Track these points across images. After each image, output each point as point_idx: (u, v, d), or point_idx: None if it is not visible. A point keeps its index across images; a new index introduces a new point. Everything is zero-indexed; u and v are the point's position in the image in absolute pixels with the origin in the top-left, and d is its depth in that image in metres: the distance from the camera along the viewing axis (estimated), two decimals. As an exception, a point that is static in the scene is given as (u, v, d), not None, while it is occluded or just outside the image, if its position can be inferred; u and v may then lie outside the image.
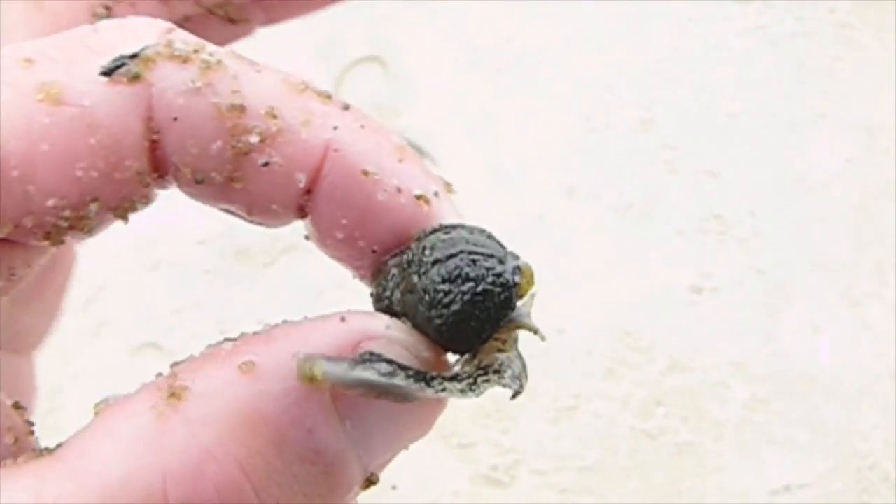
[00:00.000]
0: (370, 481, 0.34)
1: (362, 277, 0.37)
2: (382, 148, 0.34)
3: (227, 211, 0.36)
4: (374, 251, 0.35)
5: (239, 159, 0.33)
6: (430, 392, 0.32)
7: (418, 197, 0.34)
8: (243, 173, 0.33)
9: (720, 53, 2.08)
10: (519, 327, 0.35)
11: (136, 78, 0.32)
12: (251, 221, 0.35)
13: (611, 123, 2.00)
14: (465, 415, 1.72)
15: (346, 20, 2.14)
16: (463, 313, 0.32)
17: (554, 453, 1.69)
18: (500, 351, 0.34)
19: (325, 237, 0.35)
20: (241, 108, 0.32)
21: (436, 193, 0.35)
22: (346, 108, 0.34)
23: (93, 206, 0.33)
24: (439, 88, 2.06)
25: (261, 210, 0.34)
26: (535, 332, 0.35)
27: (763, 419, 1.71)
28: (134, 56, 0.32)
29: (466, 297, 0.32)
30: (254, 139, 0.32)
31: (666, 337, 1.77)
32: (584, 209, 1.91)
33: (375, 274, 0.36)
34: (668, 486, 1.66)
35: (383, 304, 0.35)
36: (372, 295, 0.36)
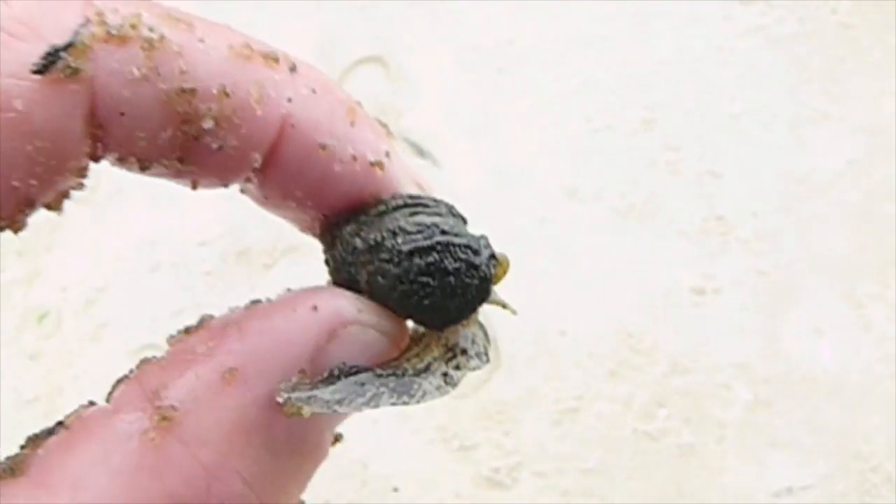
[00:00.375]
0: (336, 440, 0.34)
1: (304, 232, 0.37)
2: (335, 113, 0.33)
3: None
4: (325, 215, 0.35)
5: (190, 145, 0.31)
6: (413, 402, 0.32)
7: (373, 163, 0.34)
8: (194, 157, 0.31)
9: (722, 54, 2.07)
10: (487, 303, 0.35)
11: (74, 73, 0.28)
12: (192, 188, 0.34)
13: (613, 124, 2.00)
14: (466, 417, 1.72)
15: (347, 20, 2.14)
16: (443, 306, 0.33)
17: (556, 455, 1.68)
18: (463, 326, 0.35)
19: (273, 203, 0.34)
20: (192, 92, 0.30)
21: (387, 154, 0.34)
22: (294, 69, 0.33)
23: (27, 210, 0.31)
24: (440, 89, 2.06)
25: (208, 185, 0.33)
26: (504, 306, 0.36)
27: (765, 421, 1.70)
28: (68, 46, 0.28)
29: (447, 290, 0.33)
30: (207, 124, 0.30)
31: (668, 338, 1.77)
32: (585, 210, 1.91)
33: (329, 240, 0.36)
34: (670, 488, 1.66)
35: (343, 277, 0.35)
36: (327, 262, 0.36)
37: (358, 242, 0.34)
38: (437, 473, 1.68)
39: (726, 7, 2.13)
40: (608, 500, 1.65)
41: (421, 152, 1.97)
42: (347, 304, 0.32)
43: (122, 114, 0.29)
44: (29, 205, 0.30)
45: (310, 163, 0.32)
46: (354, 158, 0.33)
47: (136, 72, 0.29)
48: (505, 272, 0.35)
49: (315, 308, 0.31)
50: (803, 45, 2.08)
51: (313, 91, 0.33)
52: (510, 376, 1.75)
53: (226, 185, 0.33)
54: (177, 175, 0.32)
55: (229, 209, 1.89)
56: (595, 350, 1.76)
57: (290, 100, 0.32)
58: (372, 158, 0.34)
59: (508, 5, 2.15)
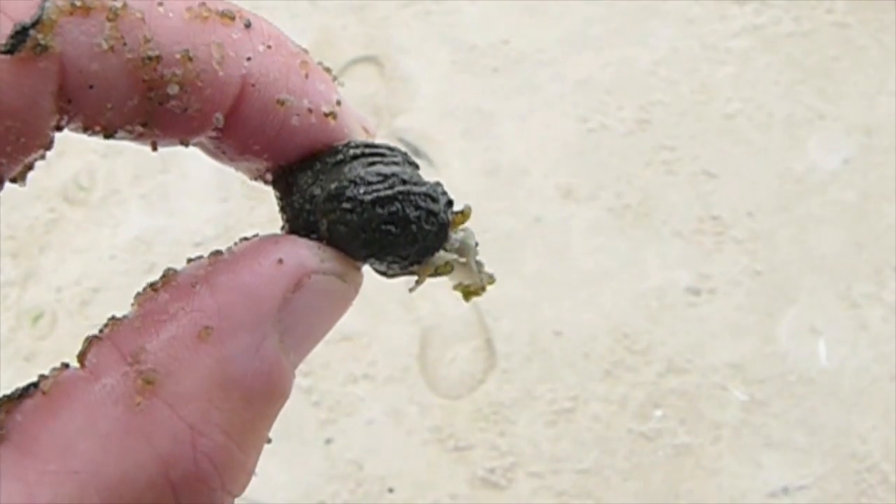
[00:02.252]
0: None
1: (255, 180, 0.38)
2: (291, 68, 0.34)
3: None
4: (279, 165, 0.36)
5: (155, 109, 0.31)
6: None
7: (327, 114, 0.35)
8: (158, 121, 0.32)
9: (717, 54, 2.07)
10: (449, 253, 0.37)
11: (44, 50, 0.29)
12: (153, 149, 0.35)
13: (608, 124, 1.99)
14: (461, 417, 1.72)
15: (341, 20, 2.13)
16: (403, 252, 0.35)
17: (551, 456, 1.68)
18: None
19: (230, 157, 0.35)
20: (157, 59, 0.30)
21: (338, 103, 0.36)
22: (249, 25, 0.33)
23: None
24: (435, 89, 2.06)
25: (168, 144, 0.34)
26: (461, 262, 0.38)
27: (761, 421, 1.70)
28: (36, 22, 0.28)
29: (408, 237, 0.35)
30: (172, 90, 0.31)
31: (664, 339, 1.77)
32: (581, 210, 1.90)
33: (284, 188, 0.37)
34: (665, 489, 1.66)
35: (300, 224, 0.36)
36: (283, 210, 0.37)
37: (317, 191, 0.35)
38: (433, 474, 1.68)
39: (721, 7, 2.13)
40: (603, 500, 1.65)
41: (416, 152, 1.96)
42: (310, 253, 0.33)
43: (91, 87, 0.30)
44: None
45: (268, 118, 0.34)
46: (310, 111, 0.35)
47: (103, 44, 0.29)
48: (465, 218, 0.37)
49: (280, 261, 0.32)
50: (799, 44, 2.08)
51: (269, 47, 0.34)
52: (505, 377, 1.75)
53: (185, 145, 0.34)
54: (139, 138, 0.33)
55: (224, 210, 1.89)
56: (590, 350, 1.76)
57: (248, 59, 0.33)
58: (326, 109, 0.35)
59: (503, 5, 2.14)
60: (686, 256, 1.85)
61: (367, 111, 2.02)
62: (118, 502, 0.27)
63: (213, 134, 0.34)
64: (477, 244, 0.38)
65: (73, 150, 1.98)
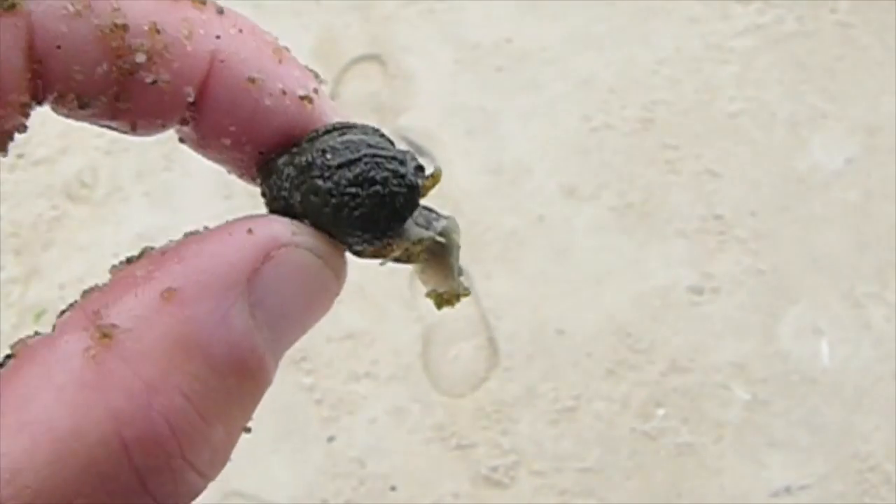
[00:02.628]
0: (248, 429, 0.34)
1: (243, 177, 0.38)
2: (263, 52, 0.34)
3: (108, 127, 0.35)
4: (260, 153, 0.36)
5: (125, 80, 0.32)
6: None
7: (302, 97, 0.35)
8: (130, 93, 0.32)
9: (721, 53, 2.07)
10: (423, 239, 0.36)
11: (11, 7, 0.30)
12: (133, 135, 0.35)
13: (611, 123, 1.99)
14: (464, 416, 1.72)
15: (344, 19, 2.13)
16: (372, 214, 0.34)
17: (554, 454, 1.68)
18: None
19: (209, 143, 0.35)
20: (124, 27, 0.31)
21: (315, 90, 0.36)
22: (221, 11, 0.34)
23: None
24: (439, 87, 2.06)
25: (145, 126, 0.34)
26: (435, 240, 0.37)
27: (763, 421, 1.70)
28: None
29: (375, 199, 0.34)
30: (140, 58, 0.32)
31: (666, 338, 1.77)
32: (584, 209, 1.90)
33: (265, 174, 0.37)
34: (668, 488, 1.66)
35: (279, 205, 0.36)
36: (264, 195, 0.37)
37: (290, 169, 0.35)
38: (435, 472, 1.68)
39: (725, 6, 2.13)
40: (606, 499, 1.65)
41: (419, 151, 1.96)
42: (282, 227, 0.33)
43: (59, 47, 0.31)
44: None
45: (240, 96, 0.34)
46: (284, 92, 0.35)
47: (70, 7, 0.31)
48: (435, 182, 0.36)
49: (250, 231, 0.32)
50: (802, 44, 2.07)
51: (240, 31, 0.34)
52: (508, 375, 1.75)
53: (164, 127, 0.34)
54: (115, 115, 0.33)
55: (227, 208, 1.89)
56: (593, 349, 1.76)
57: (218, 37, 0.33)
58: (301, 93, 0.35)
59: (507, 4, 2.14)
60: (689, 256, 1.85)
61: (370, 109, 2.02)
62: (69, 456, 0.27)
63: (188, 114, 0.34)
64: (459, 247, 0.38)
65: (76, 147, 1.98)
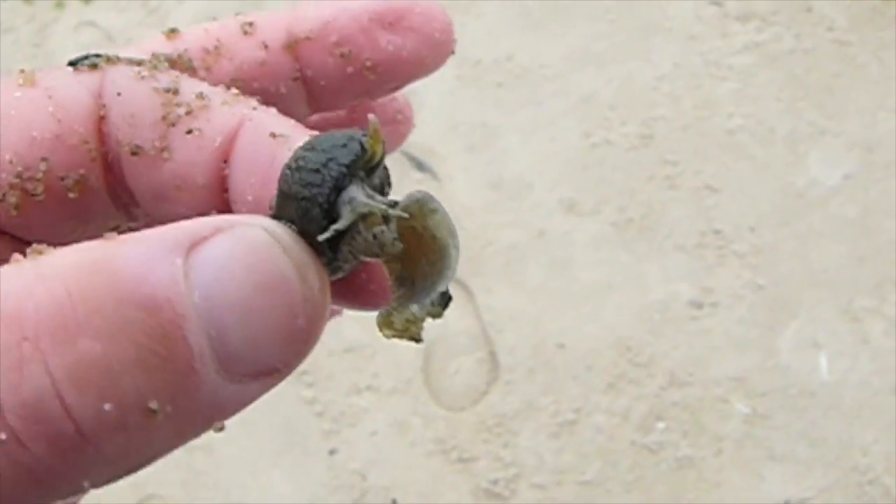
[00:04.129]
0: (219, 428, 0.30)
1: None
2: (288, 121, 0.39)
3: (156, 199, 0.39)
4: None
5: (168, 129, 0.37)
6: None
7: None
8: (171, 142, 0.38)
9: (719, 70, 2.09)
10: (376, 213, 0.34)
11: (94, 67, 0.38)
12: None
13: (611, 139, 2.01)
14: (465, 429, 1.72)
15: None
16: (308, 180, 0.33)
17: (554, 467, 1.69)
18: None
19: (238, 203, 0.38)
20: (175, 91, 0.38)
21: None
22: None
23: (42, 165, 0.37)
24: (440, 103, 2.08)
25: (189, 186, 0.38)
26: (384, 215, 0.34)
27: (763, 434, 1.71)
28: (100, 55, 0.38)
29: (316, 151, 0.34)
30: (181, 111, 0.37)
31: (666, 352, 1.78)
32: (584, 224, 1.92)
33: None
34: (668, 501, 1.66)
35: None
36: None
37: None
38: (436, 485, 1.68)
39: (723, 24, 2.15)
40: (606, 512, 1.65)
41: (420, 166, 1.98)
42: (245, 216, 0.34)
43: (119, 94, 0.38)
44: (43, 157, 0.37)
45: (262, 148, 0.37)
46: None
47: (138, 74, 0.39)
48: (377, 143, 0.35)
49: (213, 213, 0.33)
50: (800, 61, 2.09)
51: (275, 113, 0.39)
52: (509, 389, 1.76)
53: (206, 198, 0.39)
54: (159, 167, 0.38)
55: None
56: (593, 363, 1.77)
57: (254, 108, 0.39)
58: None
59: (508, 21, 2.17)
60: (688, 270, 1.86)
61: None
62: None
63: (217, 161, 0.38)
64: (455, 263, 0.37)
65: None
